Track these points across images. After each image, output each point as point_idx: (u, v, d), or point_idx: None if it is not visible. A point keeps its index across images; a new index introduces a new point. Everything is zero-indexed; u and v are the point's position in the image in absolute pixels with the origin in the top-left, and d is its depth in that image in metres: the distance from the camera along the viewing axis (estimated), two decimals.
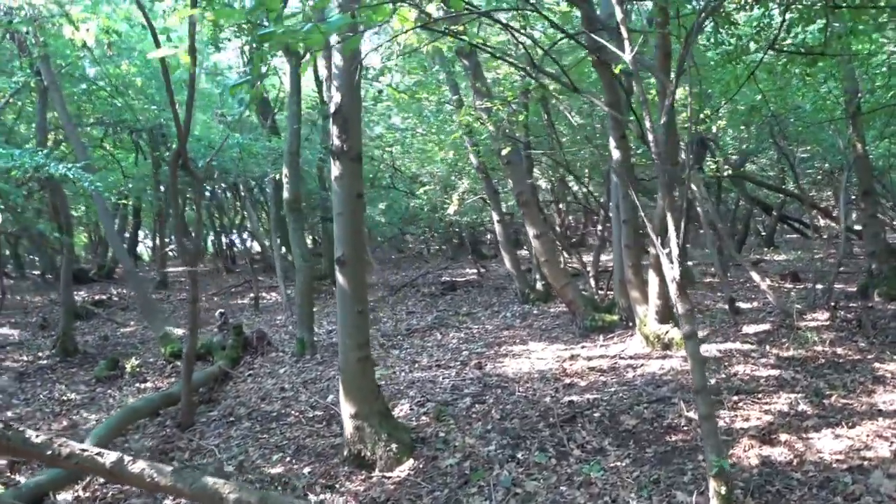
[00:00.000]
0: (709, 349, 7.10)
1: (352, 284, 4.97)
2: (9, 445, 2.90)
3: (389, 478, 4.86)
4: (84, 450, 2.94)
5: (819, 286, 9.58)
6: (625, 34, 4.67)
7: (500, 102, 7.76)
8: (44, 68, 9.41)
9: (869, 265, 9.89)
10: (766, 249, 20.78)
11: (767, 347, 7.04)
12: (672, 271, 4.01)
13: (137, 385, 8.54)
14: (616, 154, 7.33)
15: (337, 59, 4.75)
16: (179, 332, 11.67)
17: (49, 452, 2.88)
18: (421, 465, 4.96)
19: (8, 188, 8.91)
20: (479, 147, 10.68)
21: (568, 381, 6.67)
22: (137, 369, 8.96)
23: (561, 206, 18.79)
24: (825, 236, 19.74)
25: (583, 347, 8.06)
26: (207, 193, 22.28)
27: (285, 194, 9.42)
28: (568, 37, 5.76)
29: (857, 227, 14.65)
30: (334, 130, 4.79)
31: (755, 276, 8.71)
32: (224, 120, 14.50)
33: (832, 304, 8.66)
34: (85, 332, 12.54)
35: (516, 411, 5.89)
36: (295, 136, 9.32)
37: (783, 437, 4.76)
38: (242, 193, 18.61)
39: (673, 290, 3.98)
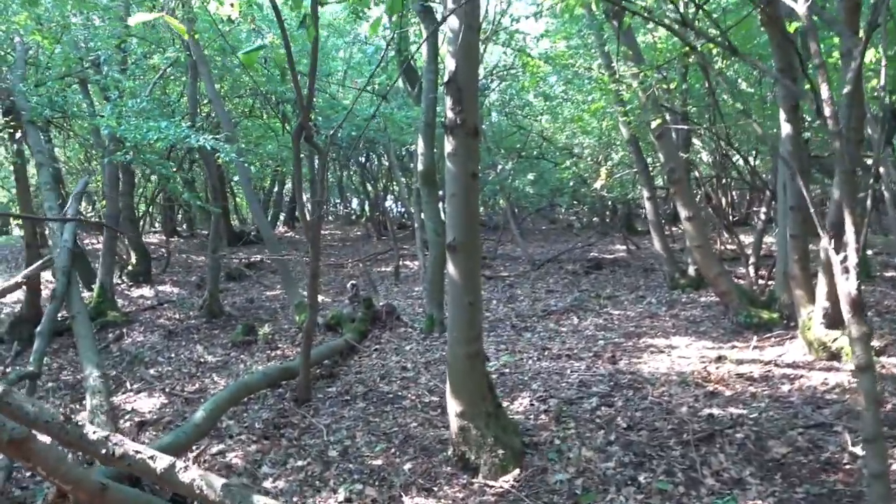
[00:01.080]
0: (887, 364, 6.03)
1: (463, 273, 4.52)
2: (68, 439, 2.74)
3: (491, 487, 4.41)
4: (137, 451, 2.74)
5: None
6: None
7: (647, 69, 6.91)
8: (192, 44, 9.60)
9: None
10: None
11: None
12: (847, 283, 3.22)
13: (268, 352, 8.63)
14: (785, 129, 6.33)
15: (452, 20, 4.25)
16: (321, 298, 11.88)
17: (104, 451, 2.70)
18: (528, 477, 4.47)
19: (154, 159, 9.22)
20: (629, 117, 9.83)
21: (711, 388, 5.88)
22: (270, 336, 9.06)
23: (724, 181, 17.31)
24: None
25: (733, 348, 7.16)
26: (362, 159, 22.63)
27: (419, 166, 9.11)
28: None
29: None
30: (448, 102, 4.32)
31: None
32: (367, 89, 14.41)
33: None
34: (235, 293, 13.04)
35: (646, 421, 5.24)
36: (431, 105, 8.93)
37: None
38: (386, 162, 18.63)
39: (846, 307, 3.20)
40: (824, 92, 3.36)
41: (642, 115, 8.31)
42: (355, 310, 9.55)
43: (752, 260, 9.66)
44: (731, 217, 19.56)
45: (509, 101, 18.00)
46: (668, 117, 8.26)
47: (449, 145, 4.38)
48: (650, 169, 11.29)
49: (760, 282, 9.17)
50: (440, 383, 6.68)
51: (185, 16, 9.31)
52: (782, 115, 6.36)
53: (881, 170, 7.95)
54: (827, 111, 3.41)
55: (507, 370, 7.10)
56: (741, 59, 4.50)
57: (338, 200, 29.59)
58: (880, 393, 5.45)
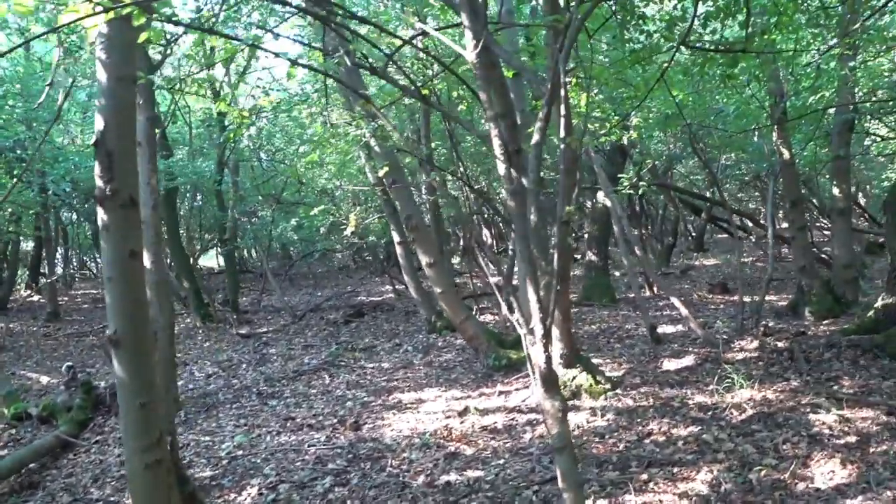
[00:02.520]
0: (623, 398, 6.05)
1: (130, 371, 3.67)
2: None
3: None
4: None
5: (748, 299, 8.70)
6: (466, 23, 3.56)
7: (359, 116, 6.52)
8: None
9: (799, 281, 9.06)
10: (695, 254, 20.19)
11: (689, 392, 6.02)
12: (535, 353, 2.90)
13: None
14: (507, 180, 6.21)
15: (99, 71, 3.48)
16: (45, 380, 10.20)
17: None
18: None
19: None
20: (373, 161, 9.48)
21: (453, 447, 5.50)
22: None
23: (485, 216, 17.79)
24: (753, 238, 19.20)
25: (481, 395, 6.91)
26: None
27: None
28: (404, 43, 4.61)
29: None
30: (97, 168, 3.51)
31: (677, 303, 7.71)
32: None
33: (762, 328, 7.74)
34: None
35: (381, 498, 4.69)
36: None
37: None
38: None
39: (538, 389, 2.88)
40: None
41: (376, 161, 7.97)
42: (72, 396, 8.15)
43: (504, 296, 9.66)
44: (498, 249, 20.20)
45: (264, 143, 17.18)
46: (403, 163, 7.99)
47: (101, 219, 3.56)
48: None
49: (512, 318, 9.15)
50: None
51: None
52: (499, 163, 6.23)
53: (608, 203, 8.28)
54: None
55: (241, 453, 6.26)
56: (435, 108, 4.18)
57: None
58: (614, 428, 5.37)
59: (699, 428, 5.14)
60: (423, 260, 7.56)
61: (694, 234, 22.41)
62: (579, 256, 13.91)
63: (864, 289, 10.27)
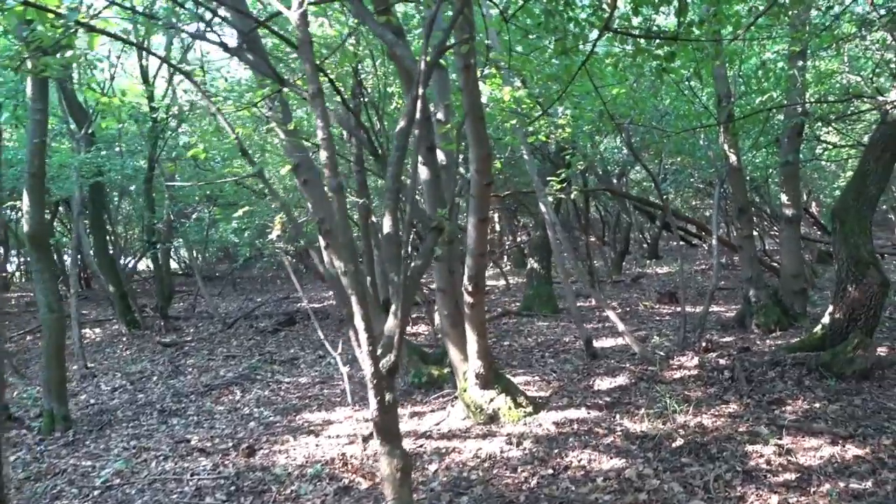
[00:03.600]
0: (544, 423, 5.42)
1: None
2: None
3: None
4: None
5: (691, 310, 8.18)
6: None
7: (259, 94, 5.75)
8: None
9: (745, 291, 8.57)
10: (649, 262, 19.78)
11: (618, 417, 5.41)
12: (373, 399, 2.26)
13: None
14: (423, 172, 5.57)
15: None
16: None
17: None
18: None
19: None
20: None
21: (346, 480, 4.81)
22: None
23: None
24: (706, 246, 18.87)
25: None
26: None
27: (25, 227, 7.22)
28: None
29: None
30: None
31: (613, 316, 7.12)
32: None
33: (704, 343, 7.20)
34: None
35: None
36: (38, 152, 7.12)
37: None
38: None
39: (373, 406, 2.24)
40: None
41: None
42: None
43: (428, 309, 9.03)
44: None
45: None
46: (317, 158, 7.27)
47: None
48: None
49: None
50: None
51: None
52: (419, 159, 5.58)
53: (542, 208, 7.67)
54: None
55: (118, 482, 5.51)
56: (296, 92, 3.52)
57: None
58: (529, 459, 4.75)
59: (623, 461, 4.53)
60: (339, 267, 6.84)
61: (648, 242, 22.05)
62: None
63: (814, 300, 9.85)
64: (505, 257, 22.26)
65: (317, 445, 5.69)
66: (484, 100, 5.68)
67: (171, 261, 17.81)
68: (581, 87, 5.77)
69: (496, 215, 23.38)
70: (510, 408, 5.50)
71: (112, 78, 13.36)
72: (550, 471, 4.53)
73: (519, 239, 22.16)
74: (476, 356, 5.42)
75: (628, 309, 10.93)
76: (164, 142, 13.53)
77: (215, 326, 12.88)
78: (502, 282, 16.34)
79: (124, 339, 12.50)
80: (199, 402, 7.80)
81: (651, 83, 6.91)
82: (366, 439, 5.59)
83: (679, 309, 10.16)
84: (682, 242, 20.56)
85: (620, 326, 6.95)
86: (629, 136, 7.89)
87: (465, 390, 5.69)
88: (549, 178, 6.92)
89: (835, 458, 4.28)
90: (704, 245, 18.82)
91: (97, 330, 13.70)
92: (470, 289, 5.06)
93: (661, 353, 7.13)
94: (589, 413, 5.55)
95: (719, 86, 7.93)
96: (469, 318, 5.23)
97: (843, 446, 4.42)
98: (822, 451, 4.39)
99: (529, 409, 5.57)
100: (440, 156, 6.05)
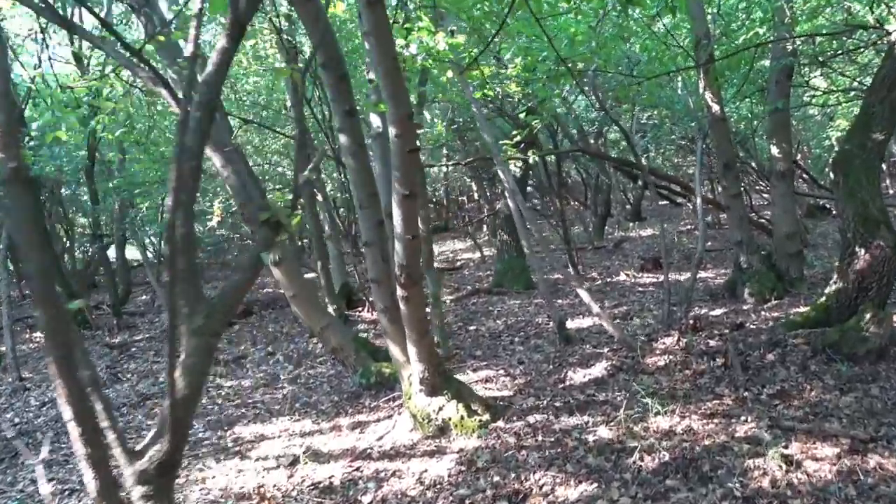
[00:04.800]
0: (503, 434, 4.53)
1: None
2: None
3: None
4: None
5: (676, 278, 7.29)
6: None
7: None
8: None
9: (736, 256, 7.70)
10: (631, 224, 18.90)
11: (591, 422, 4.53)
12: None
13: None
14: (343, 138, 4.60)
15: None
16: None
17: None
18: None
19: None
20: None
21: None
22: None
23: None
24: (691, 206, 17.98)
25: (333, 429, 5.33)
26: None
27: None
28: None
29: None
30: None
31: (585, 296, 6.19)
32: None
33: (690, 321, 6.33)
34: None
35: None
36: None
37: None
38: None
39: None
40: None
41: None
42: None
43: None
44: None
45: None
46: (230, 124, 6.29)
47: None
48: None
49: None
50: None
51: None
52: (336, 123, 4.61)
53: (500, 174, 6.73)
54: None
55: None
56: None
57: None
58: (482, 486, 3.87)
59: (595, 486, 3.65)
60: (270, 258, 5.91)
61: (631, 202, 21.13)
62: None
63: (810, 260, 9.00)
64: (484, 227, 21.32)
65: (239, 471, 4.79)
66: (415, 50, 4.71)
67: (126, 252, 16.72)
68: (529, 28, 4.82)
69: (472, 184, 22.45)
70: (462, 417, 4.61)
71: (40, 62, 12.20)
72: (506, 503, 3.65)
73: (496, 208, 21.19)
74: (418, 359, 4.52)
75: (608, 280, 10.06)
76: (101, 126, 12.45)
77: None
78: (477, 254, 15.44)
79: None
80: (130, 416, 6.89)
81: (615, 23, 5.91)
82: (293, 463, 4.71)
83: (663, 278, 9.31)
84: (664, 202, 19.77)
85: (595, 308, 6.04)
86: (594, 86, 6.94)
87: (409, 397, 4.80)
88: (501, 142, 5.96)
89: (855, 471, 3.43)
90: (689, 204, 17.91)
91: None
92: (402, 280, 4.13)
93: (643, 337, 6.25)
94: (557, 418, 4.67)
95: (697, 26, 6.96)
96: (405, 315, 4.31)
97: (864, 455, 3.57)
98: (839, 463, 3.53)
99: (486, 416, 4.68)
100: (376, 121, 5.10)
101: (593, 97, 8.40)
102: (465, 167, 13.98)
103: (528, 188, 21.21)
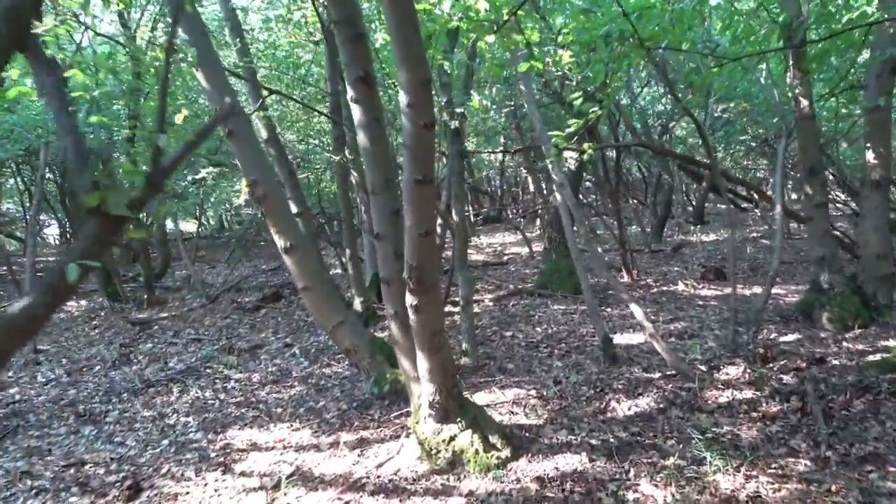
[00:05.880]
0: (524, 476, 3.74)
1: None
2: None
3: None
4: None
5: (743, 292, 6.34)
6: None
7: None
8: None
9: (815, 274, 6.71)
10: (693, 228, 17.74)
11: (633, 473, 3.70)
12: None
13: None
14: (355, 110, 3.85)
15: None
16: None
17: None
18: None
19: None
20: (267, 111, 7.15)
21: None
22: None
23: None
24: (758, 211, 16.72)
25: (332, 445, 4.63)
26: None
27: None
28: None
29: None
30: None
31: (637, 313, 5.28)
32: None
33: (760, 349, 5.41)
34: None
35: None
36: None
37: None
38: None
39: None
40: None
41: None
42: None
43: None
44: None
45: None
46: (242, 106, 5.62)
47: None
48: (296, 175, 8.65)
49: None
50: None
51: None
52: (350, 94, 3.85)
53: (549, 167, 5.89)
54: None
55: None
56: None
57: None
58: None
59: None
60: (279, 243, 5.23)
61: (694, 204, 19.91)
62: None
63: None
64: (537, 221, 20.40)
65: (215, 491, 4.14)
66: (448, 7, 3.93)
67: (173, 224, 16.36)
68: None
69: (528, 176, 21.48)
70: (477, 451, 3.84)
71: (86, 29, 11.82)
72: None
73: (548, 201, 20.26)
74: (429, 378, 3.76)
75: (664, 289, 9.10)
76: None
77: (201, 300, 11.46)
78: (526, 250, 14.60)
79: (102, 314, 11.19)
80: (128, 404, 6.35)
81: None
82: (276, 486, 4.02)
83: (728, 290, 8.33)
84: (733, 206, 18.51)
85: (648, 327, 5.18)
86: (664, 71, 6.03)
87: (417, 421, 4.05)
88: (550, 133, 5.12)
89: None
90: (756, 210, 16.67)
91: (83, 302, 12.42)
92: (412, 284, 3.38)
93: (702, 364, 5.36)
94: (592, 462, 3.85)
95: (787, 4, 5.97)
96: (414, 326, 3.56)
97: None
98: None
99: (506, 451, 3.90)
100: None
101: (664, 83, 7.45)
102: (520, 157, 13.10)
103: (586, 183, 20.19)
